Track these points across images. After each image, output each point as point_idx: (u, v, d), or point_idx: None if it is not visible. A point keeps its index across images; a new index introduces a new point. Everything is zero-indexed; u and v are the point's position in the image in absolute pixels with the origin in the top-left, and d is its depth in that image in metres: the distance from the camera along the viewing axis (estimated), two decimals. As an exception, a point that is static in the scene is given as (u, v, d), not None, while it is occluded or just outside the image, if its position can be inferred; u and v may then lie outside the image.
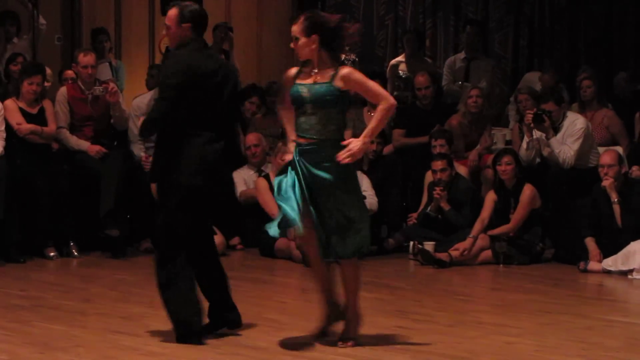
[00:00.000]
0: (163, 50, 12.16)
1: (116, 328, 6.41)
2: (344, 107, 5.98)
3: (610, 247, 8.84)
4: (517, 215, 9.28)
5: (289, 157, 5.97)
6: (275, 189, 5.97)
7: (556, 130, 9.71)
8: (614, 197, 8.95)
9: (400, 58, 12.26)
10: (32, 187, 9.13)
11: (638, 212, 8.91)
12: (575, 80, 11.08)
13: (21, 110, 9.27)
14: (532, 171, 9.74)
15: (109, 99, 9.55)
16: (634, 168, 9.61)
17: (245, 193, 9.98)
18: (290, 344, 6.01)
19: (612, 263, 8.77)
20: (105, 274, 8.61)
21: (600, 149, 9.82)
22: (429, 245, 9.29)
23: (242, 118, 10.84)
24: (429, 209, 9.67)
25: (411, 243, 9.52)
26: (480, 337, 6.34)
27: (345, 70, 5.92)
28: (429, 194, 9.79)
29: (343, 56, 6.39)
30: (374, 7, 13.49)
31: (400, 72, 11.96)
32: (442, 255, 9.13)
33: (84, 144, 9.54)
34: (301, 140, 5.95)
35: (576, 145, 9.66)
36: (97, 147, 9.50)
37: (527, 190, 9.29)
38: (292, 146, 5.99)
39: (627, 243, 8.71)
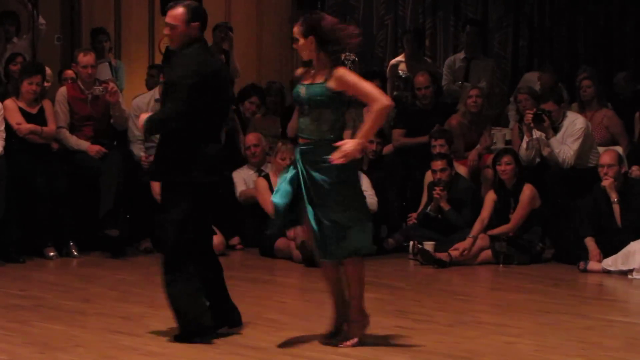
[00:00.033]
0: (163, 50, 12.20)
1: (116, 328, 6.41)
2: (339, 107, 5.97)
3: (610, 247, 8.84)
4: (517, 215, 9.28)
5: None
6: (277, 187, 6.02)
7: (556, 130, 9.71)
8: (614, 197, 8.95)
9: (400, 58, 12.24)
10: (32, 186, 9.13)
11: (638, 212, 8.91)
12: (575, 80, 11.07)
13: (21, 110, 9.26)
14: (532, 171, 9.74)
15: (109, 98, 9.54)
16: (634, 168, 9.61)
17: (245, 193, 9.97)
18: (290, 344, 6.01)
19: (612, 263, 8.77)
20: (105, 274, 8.60)
21: (600, 149, 9.82)
22: (428, 245, 9.29)
23: (240, 117, 10.84)
24: (428, 208, 9.66)
25: (411, 243, 9.51)
26: (480, 337, 6.34)
27: (339, 72, 5.91)
28: (428, 193, 9.79)
29: (343, 56, 6.40)
30: (374, 7, 13.46)
31: (400, 72, 11.94)
32: (442, 255, 9.13)
33: (83, 144, 9.54)
34: (300, 140, 5.99)
35: (576, 145, 9.66)
36: (96, 147, 9.49)
37: (527, 190, 9.29)
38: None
39: (627, 243, 8.71)
